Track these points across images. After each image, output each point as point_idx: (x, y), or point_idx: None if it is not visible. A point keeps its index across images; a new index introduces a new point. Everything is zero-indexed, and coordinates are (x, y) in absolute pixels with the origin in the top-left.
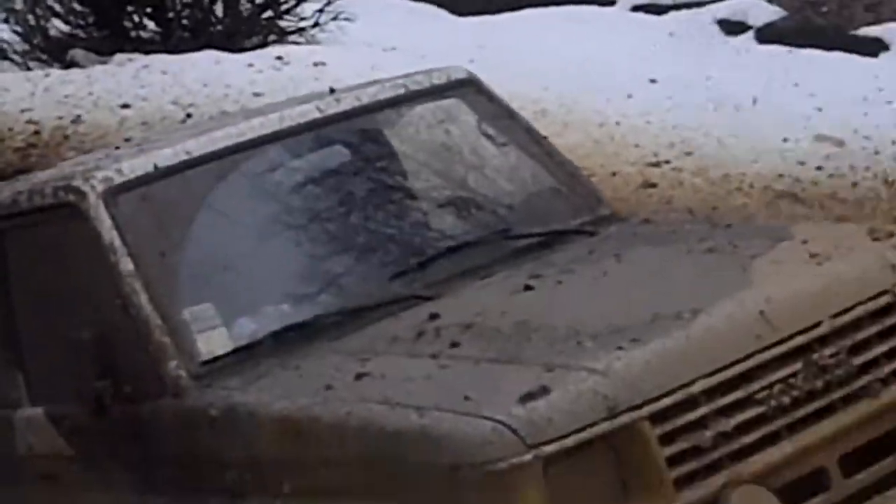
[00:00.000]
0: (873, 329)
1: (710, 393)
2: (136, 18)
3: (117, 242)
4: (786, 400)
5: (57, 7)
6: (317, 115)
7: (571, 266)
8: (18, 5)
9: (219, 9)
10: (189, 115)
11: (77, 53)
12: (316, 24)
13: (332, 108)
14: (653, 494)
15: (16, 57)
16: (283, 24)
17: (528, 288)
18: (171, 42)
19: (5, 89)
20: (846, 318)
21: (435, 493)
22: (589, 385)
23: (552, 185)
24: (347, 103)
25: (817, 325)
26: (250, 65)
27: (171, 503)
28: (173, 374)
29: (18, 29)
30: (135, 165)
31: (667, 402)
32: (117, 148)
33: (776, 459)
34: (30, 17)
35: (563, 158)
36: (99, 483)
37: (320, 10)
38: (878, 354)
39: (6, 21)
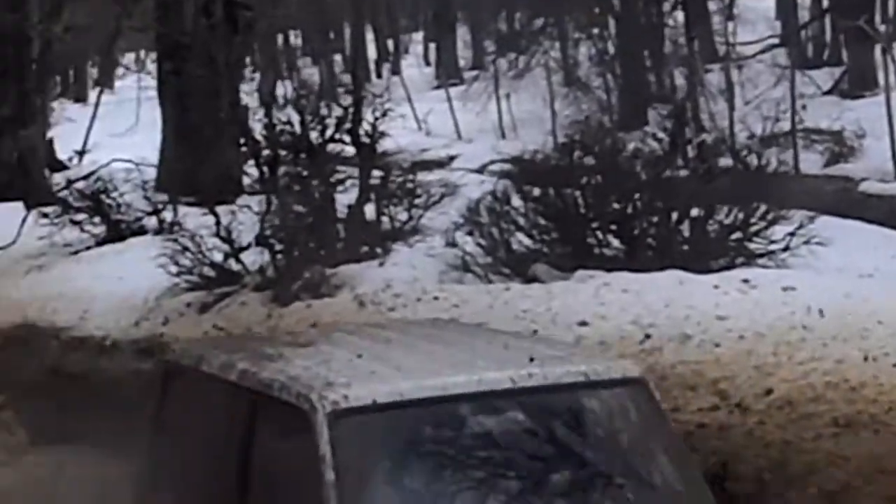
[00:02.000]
0: None
1: None
2: (599, 235)
3: (328, 456)
4: None
5: (521, 221)
6: (509, 385)
7: None
8: (483, 219)
9: (685, 228)
10: (648, 336)
11: (539, 268)
12: (786, 248)
13: (522, 382)
14: None
15: (477, 269)
16: (751, 246)
17: None
18: (635, 260)
19: (464, 301)
20: None
21: None
22: None
23: (679, 486)
24: (536, 380)
25: None
26: (716, 287)
27: None
28: None
29: (482, 242)
30: (359, 395)
31: None
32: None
33: None
34: (493, 230)
35: (692, 466)
36: None
37: (791, 234)
38: None
39: (470, 234)
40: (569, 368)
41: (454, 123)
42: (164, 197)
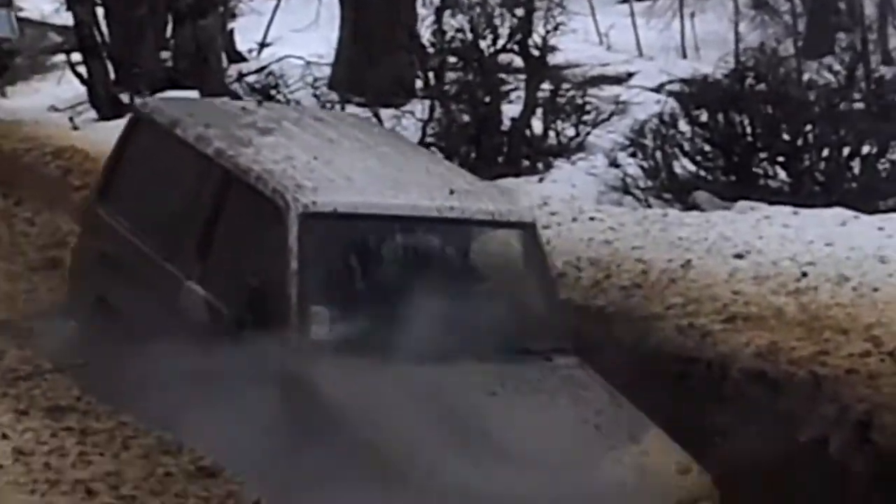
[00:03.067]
0: None
1: None
2: (765, 166)
3: (294, 248)
4: None
5: (686, 146)
6: (435, 214)
7: (525, 388)
8: (648, 142)
9: (855, 165)
10: (804, 274)
11: (700, 196)
12: None
13: (445, 213)
14: None
15: (637, 192)
16: None
17: (493, 394)
18: (800, 195)
19: (621, 224)
20: None
21: None
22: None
23: (542, 312)
24: (455, 212)
25: None
26: (880, 228)
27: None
28: (292, 341)
29: (644, 164)
30: (324, 202)
31: None
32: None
33: None
34: (657, 154)
35: (559, 297)
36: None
37: None
38: None
39: (633, 155)
40: (480, 207)
41: (636, 39)
42: (333, 96)
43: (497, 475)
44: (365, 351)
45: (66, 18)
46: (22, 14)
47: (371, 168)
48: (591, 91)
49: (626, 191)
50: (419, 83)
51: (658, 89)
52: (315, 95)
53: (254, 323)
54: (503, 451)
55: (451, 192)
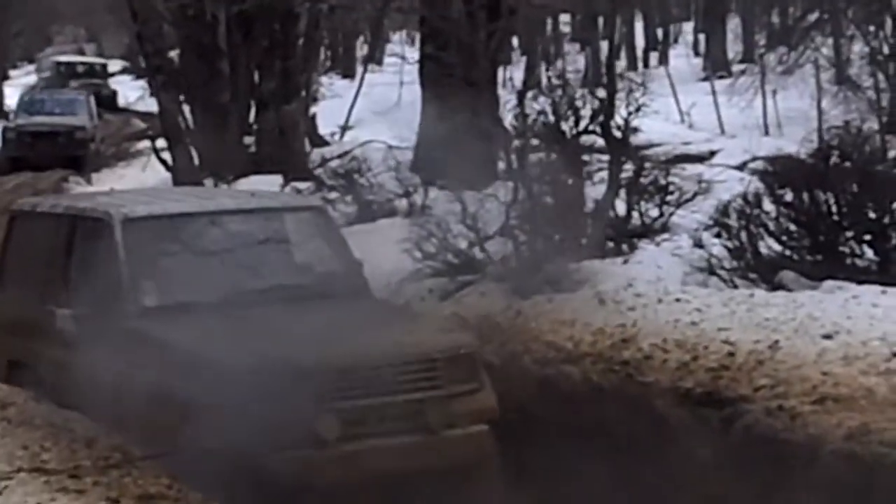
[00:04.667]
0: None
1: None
2: (852, 245)
3: (120, 243)
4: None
5: (771, 226)
6: (233, 206)
7: (317, 310)
8: (732, 221)
9: None
10: (895, 355)
11: (787, 276)
12: None
13: (242, 206)
14: None
15: (723, 273)
16: None
17: (290, 314)
18: (888, 273)
19: (707, 306)
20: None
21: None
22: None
23: (338, 269)
24: (253, 203)
25: None
26: None
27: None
28: (128, 310)
29: (729, 245)
30: (139, 211)
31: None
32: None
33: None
34: (743, 234)
35: (354, 257)
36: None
37: None
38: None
39: (718, 236)
40: (272, 201)
41: (717, 117)
42: (416, 179)
43: (280, 348)
44: (187, 309)
45: (151, 104)
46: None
47: (186, 198)
48: (674, 171)
49: (711, 271)
50: (502, 165)
51: (741, 167)
52: (397, 178)
53: (104, 309)
54: (289, 333)
55: (252, 195)
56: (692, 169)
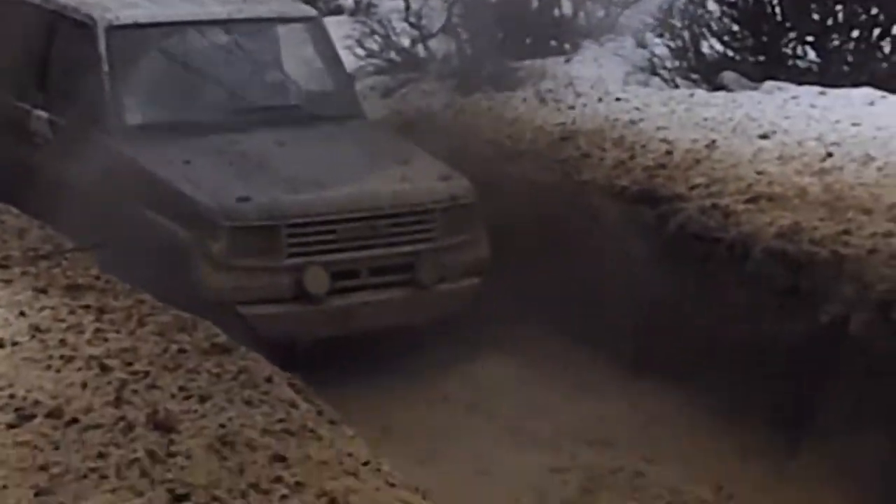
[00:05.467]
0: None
1: (317, 223)
2: (794, 47)
3: (104, 53)
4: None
5: (714, 26)
6: (225, 16)
7: (312, 138)
8: (676, 22)
9: (886, 45)
10: (829, 154)
11: (728, 76)
12: None
13: (234, 15)
14: (277, 254)
15: (664, 73)
16: None
17: (281, 144)
18: (828, 75)
19: (647, 105)
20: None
21: (191, 220)
22: (263, 202)
23: (331, 88)
24: (243, 13)
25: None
26: None
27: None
28: (113, 126)
29: (672, 45)
30: (125, 16)
31: (294, 221)
32: None
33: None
34: (685, 33)
35: (348, 75)
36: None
37: None
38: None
39: (661, 36)
40: (267, 7)
41: None
42: None
43: (270, 186)
44: (174, 129)
45: None
46: None
47: (174, 4)
48: None
49: (653, 71)
50: None
51: None
52: None
53: (84, 121)
54: (278, 172)
55: (244, 0)
56: None
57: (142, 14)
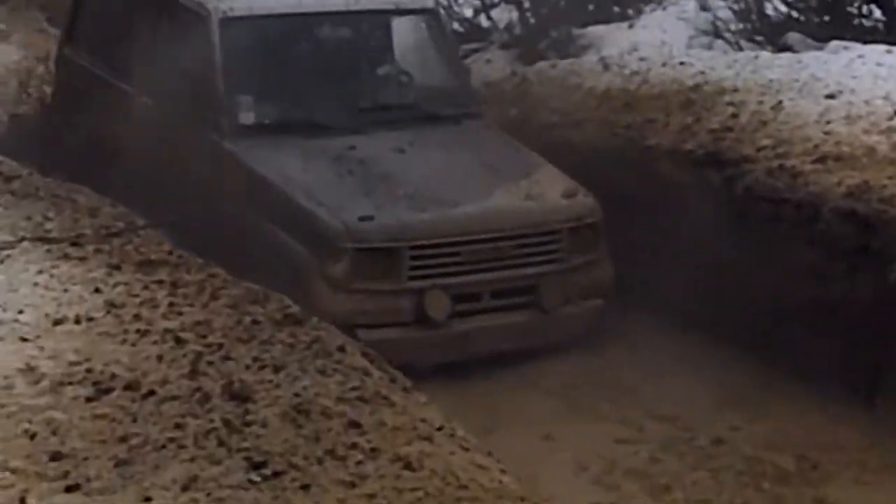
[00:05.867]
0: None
1: (442, 245)
2: (859, 6)
3: (218, 46)
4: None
5: None
6: (342, 7)
7: (432, 144)
8: None
9: None
10: None
11: (792, 37)
12: None
13: (351, 6)
14: (399, 276)
15: (728, 36)
16: None
17: (401, 151)
18: (894, 33)
19: (711, 68)
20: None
21: (308, 237)
22: (387, 222)
23: (450, 84)
24: (361, 4)
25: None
26: None
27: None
28: (224, 125)
29: (735, 7)
30: (240, 7)
31: (418, 243)
32: None
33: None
34: None
35: (466, 70)
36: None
37: None
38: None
39: None
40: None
41: None
42: None
43: (392, 203)
44: (288, 130)
45: None
46: None
47: None
48: None
49: (716, 34)
50: None
51: None
52: None
53: (193, 116)
54: (399, 185)
55: None
56: None
57: (257, 4)
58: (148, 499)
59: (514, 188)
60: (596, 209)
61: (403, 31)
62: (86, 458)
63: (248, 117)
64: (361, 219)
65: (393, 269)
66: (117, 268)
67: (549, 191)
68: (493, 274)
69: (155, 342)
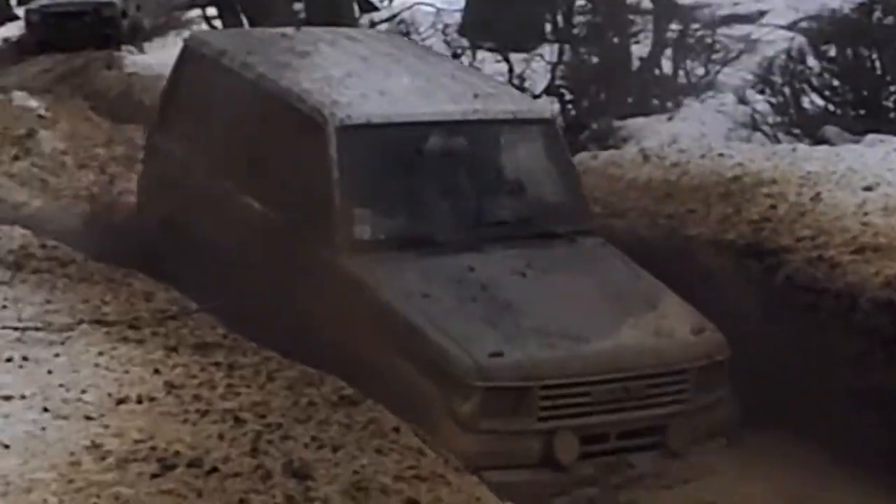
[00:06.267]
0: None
1: (573, 385)
2: (895, 100)
3: (335, 157)
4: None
5: (814, 81)
6: (459, 118)
7: (551, 266)
8: (777, 78)
9: None
10: None
11: (829, 130)
12: None
13: (468, 116)
14: (528, 417)
15: (766, 128)
16: None
17: (522, 274)
18: None
19: (750, 160)
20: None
21: (436, 371)
22: (518, 360)
23: (565, 199)
24: (479, 114)
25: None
26: None
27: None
28: (339, 240)
29: (773, 101)
30: (358, 115)
31: (549, 382)
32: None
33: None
34: (786, 89)
35: (580, 183)
36: None
37: None
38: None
39: (762, 92)
40: (501, 108)
41: None
42: (464, 42)
43: (521, 337)
44: (404, 246)
45: None
46: None
47: (400, 80)
48: (722, 30)
49: (755, 127)
50: (548, 27)
51: (790, 27)
52: (445, 41)
53: (304, 227)
54: (525, 317)
55: (476, 95)
56: (740, 29)
57: (375, 112)
58: None
59: (642, 322)
60: (724, 346)
61: (520, 142)
62: None
63: (363, 231)
64: (492, 355)
65: (522, 408)
66: (174, 350)
67: (677, 326)
68: (621, 414)
69: (215, 421)
